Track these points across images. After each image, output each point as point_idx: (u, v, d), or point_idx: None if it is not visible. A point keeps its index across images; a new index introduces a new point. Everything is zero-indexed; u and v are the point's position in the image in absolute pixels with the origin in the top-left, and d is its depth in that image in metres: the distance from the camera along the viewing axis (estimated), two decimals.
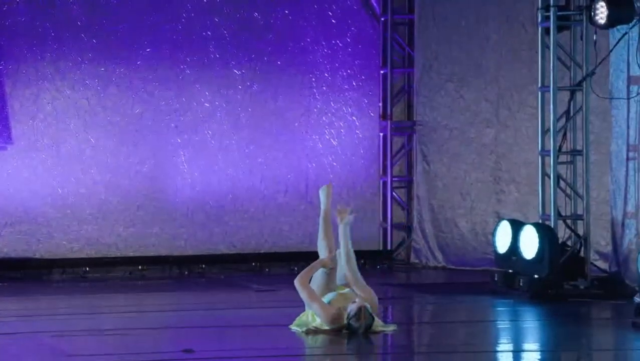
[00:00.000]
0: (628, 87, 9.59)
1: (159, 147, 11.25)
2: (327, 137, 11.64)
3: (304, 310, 7.94)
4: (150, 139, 11.24)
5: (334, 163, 11.66)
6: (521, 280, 9.72)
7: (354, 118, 11.74)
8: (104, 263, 11.08)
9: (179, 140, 11.31)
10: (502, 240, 10.10)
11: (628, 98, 9.56)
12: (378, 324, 7.66)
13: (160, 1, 11.25)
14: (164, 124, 11.28)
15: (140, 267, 11.15)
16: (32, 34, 10.98)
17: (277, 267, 11.41)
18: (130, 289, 10.41)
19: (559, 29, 9.92)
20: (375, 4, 11.79)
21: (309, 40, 11.56)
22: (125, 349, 7.59)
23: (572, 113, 9.98)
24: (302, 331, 7.77)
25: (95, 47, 11.11)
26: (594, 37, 9.72)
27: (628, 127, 9.58)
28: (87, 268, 11.06)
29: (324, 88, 11.63)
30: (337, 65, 11.64)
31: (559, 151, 9.92)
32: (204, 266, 11.25)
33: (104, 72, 11.16)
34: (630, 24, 9.41)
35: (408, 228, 11.97)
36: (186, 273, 11.20)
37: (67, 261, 11.03)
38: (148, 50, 11.24)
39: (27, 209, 10.97)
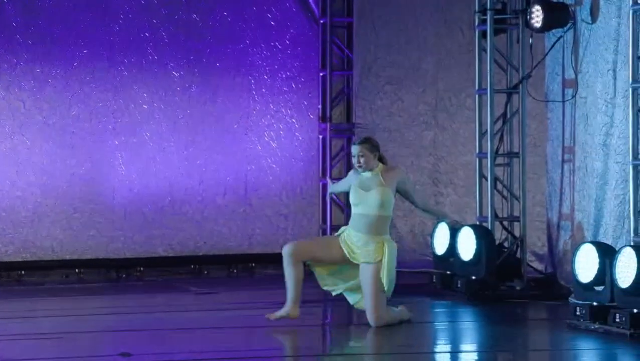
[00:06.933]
0: (563, 90, 9.70)
1: (96, 149, 11.15)
2: (267, 139, 11.62)
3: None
4: (87, 141, 11.14)
5: (273, 165, 11.65)
6: (459, 282, 9.79)
7: (293, 120, 11.74)
8: (40, 266, 10.96)
9: (117, 142, 11.22)
10: (440, 241, 10.17)
11: (563, 101, 9.67)
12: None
13: (97, 2, 11.15)
14: (101, 126, 11.19)
15: (77, 270, 11.04)
16: None
17: (216, 269, 11.37)
18: (67, 292, 10.31)
19: (496, 32, 10.01)
20: (314, 7, 11.80)
21: (248, 42, 11.53)
22: (63, 353, 7.53)
23: (508, 116, 10.08)
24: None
25: (31, 48, 10.99)
26: (530, 41, 9.82)
27: (563, 130, 9.69)
28: (23, 272, 10.93)
29: (263, 90, 11.61)
30: (276, 67, 11.63)
31: (496, 153, 10.00)
32: (141, 269, 11.17)
33: (39, 73, 11.04)
34: (565, 28, 9.52)
35: None
36: (124, 276, 11.12)
37: (2, 264, 10.89)
38: (85, 51, 11.14)
39: None
